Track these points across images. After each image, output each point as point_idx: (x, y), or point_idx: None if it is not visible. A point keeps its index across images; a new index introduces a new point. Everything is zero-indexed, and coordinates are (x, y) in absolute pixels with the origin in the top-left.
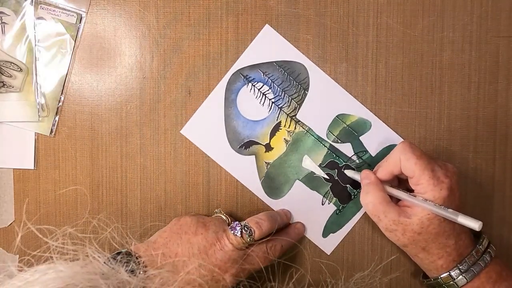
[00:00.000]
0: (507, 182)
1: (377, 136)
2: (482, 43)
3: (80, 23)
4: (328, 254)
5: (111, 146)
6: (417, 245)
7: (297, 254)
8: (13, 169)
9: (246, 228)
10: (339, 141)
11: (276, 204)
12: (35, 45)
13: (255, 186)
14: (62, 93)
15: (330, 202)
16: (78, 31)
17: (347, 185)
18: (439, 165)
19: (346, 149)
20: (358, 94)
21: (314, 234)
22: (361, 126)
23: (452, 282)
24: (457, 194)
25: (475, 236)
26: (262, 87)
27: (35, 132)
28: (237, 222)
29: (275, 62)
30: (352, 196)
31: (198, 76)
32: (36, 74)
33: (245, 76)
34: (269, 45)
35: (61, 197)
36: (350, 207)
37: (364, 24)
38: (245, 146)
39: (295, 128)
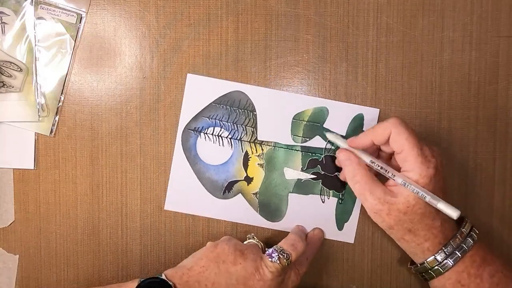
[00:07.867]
0: (507, 182)
1: (338, 116)
2: (482, 43)
3: (80, 23)
4: (353, 242)
5: (111, 146)
6: (402, 226)
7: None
8: (13, 169)
9: (282, 253)
10: (307, 139)
11: (281, 225)
12: (35, 45)
13: (256, 219)
14: (62, 93)
15: (329, 196)
16: (78, 31)
17: (336, 173)
18: (426, 145)
19: (318, 142)
20: (358, 94)
21: (330, 232)
22: (319, 115)
23: (437, 266)
24: (442, 175)
25: (458, 223)
26: (213, 130)
27: (35, 132)
28: (272, 249)
29: (213, 102)
30: None
31: None
32: (36, 74)
33: (193, 129)
34: (199, 90)
35: (61, 197)
36: (348, 191)
37: (364, 24)
38: (227, 189)
39: (262, 149)
